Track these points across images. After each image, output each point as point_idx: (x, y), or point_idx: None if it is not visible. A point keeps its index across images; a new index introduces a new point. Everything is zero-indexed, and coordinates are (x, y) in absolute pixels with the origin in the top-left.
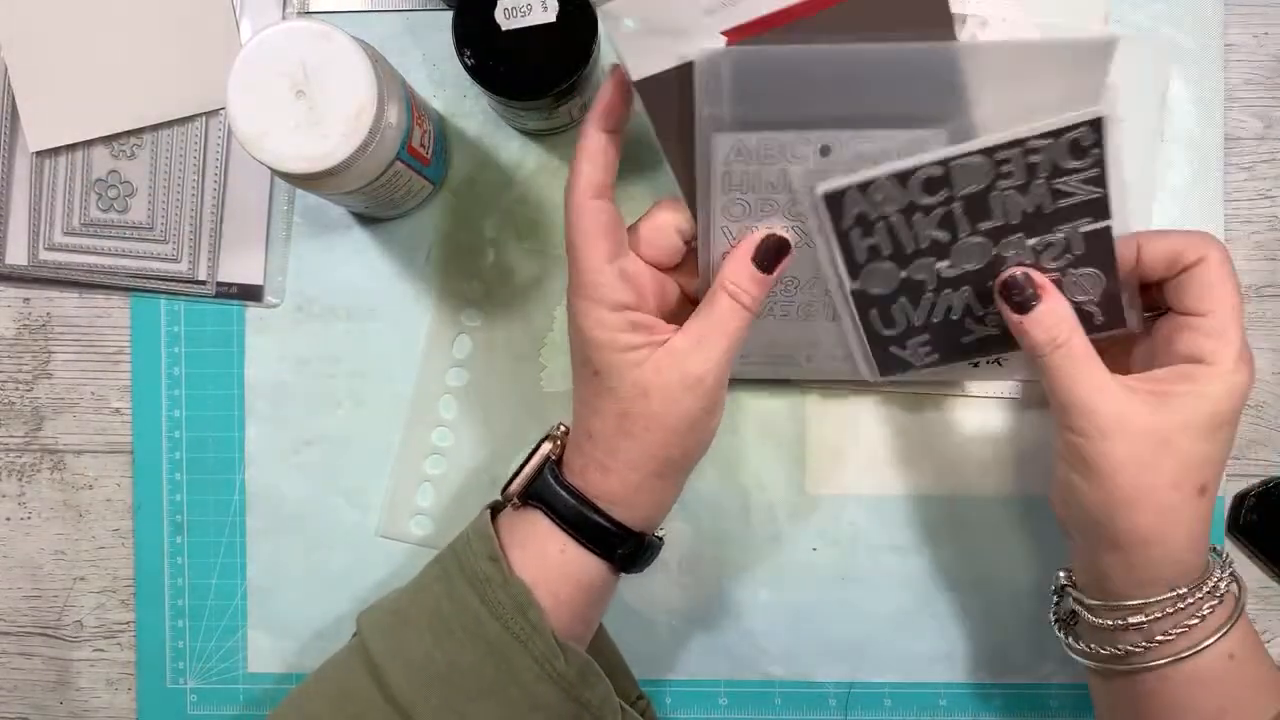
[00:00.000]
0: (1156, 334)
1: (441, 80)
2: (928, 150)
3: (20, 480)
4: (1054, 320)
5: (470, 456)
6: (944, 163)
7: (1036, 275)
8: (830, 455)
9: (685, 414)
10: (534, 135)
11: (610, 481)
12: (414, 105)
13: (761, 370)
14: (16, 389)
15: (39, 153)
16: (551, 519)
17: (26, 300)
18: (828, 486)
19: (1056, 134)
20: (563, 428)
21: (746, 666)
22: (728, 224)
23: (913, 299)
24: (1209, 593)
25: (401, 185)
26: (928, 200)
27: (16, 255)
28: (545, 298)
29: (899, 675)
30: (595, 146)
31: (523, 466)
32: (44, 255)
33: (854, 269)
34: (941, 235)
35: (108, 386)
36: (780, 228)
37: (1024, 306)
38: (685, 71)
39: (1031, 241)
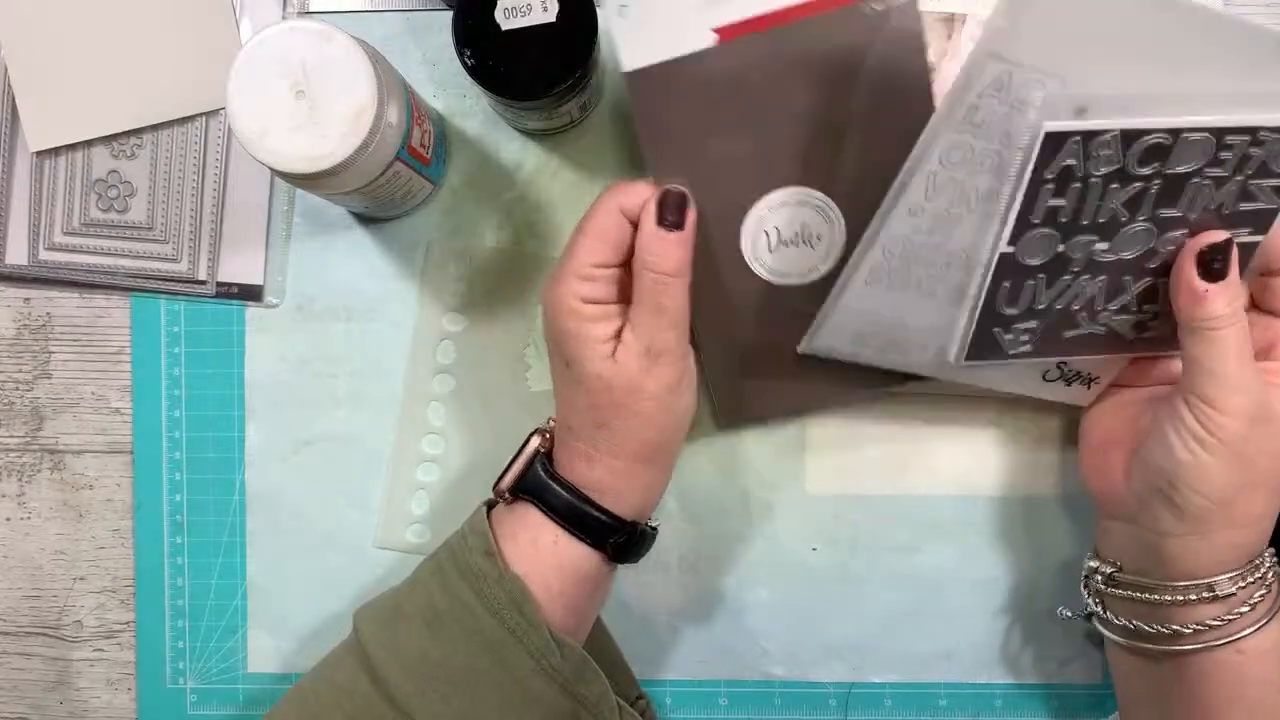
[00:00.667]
0: (1257, 333)
1: (441, 80)
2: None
3: (20, 480)
4: (1237, 293)
5: (462, 461)
6: (1174, 132)
7: (1234, 247)
8: (830, 455)
9: (649, 396)
10: (534, 135)
11: (596, 471)
12: (414, 105)
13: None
14: (16, 389)
15: (39, 153)
16: (543, 511)
17: (26, 300)
18: (828, 486)
19: None
20: (551, 421)
21: (746, 666)
22: (938, 169)
23: (1050, 279)
24: (1275, 561)
25: (401, 185)
26: (1137, 170)
27: (16, 255)
28: (526, 297)
29: (899, 675)
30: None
31: (513, 461)
32: (44, 255)
33: (1020, 229)
34: (1122, 213)
35: (108, 386)
36: (678, 186)
37: (1219, 274)
38: (673, 68)
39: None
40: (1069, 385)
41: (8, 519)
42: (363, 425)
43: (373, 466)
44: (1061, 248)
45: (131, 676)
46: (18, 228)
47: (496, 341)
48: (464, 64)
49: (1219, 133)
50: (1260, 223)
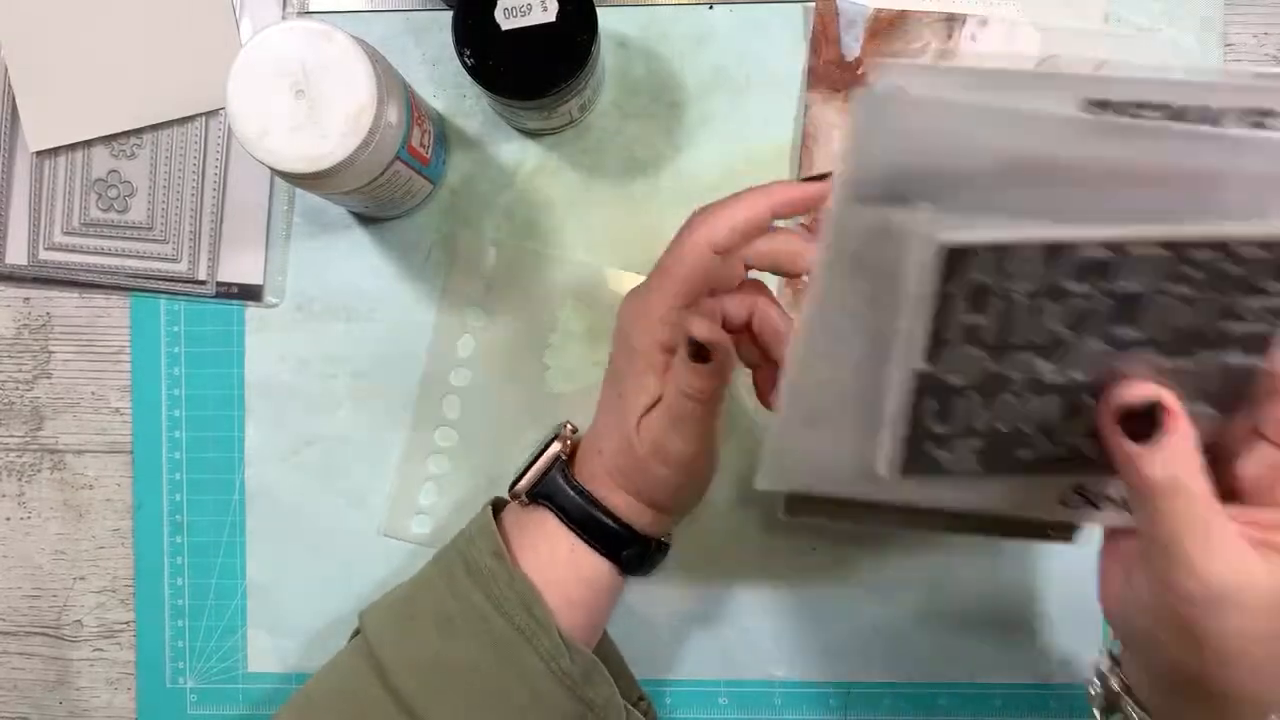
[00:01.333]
0: (1248, 466)
1: (441, 80)
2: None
3: (20, 480)
4: (1181, 459)
5: (473, 456)
6: (1116, 246)
7: (1168, 397)
8: None
9: (660, 477)
10: (534, 135)
11: (615, 497)
12: (414, 105)
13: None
14: (16, 389)
15: (39, 153)
16: (560, 518)
17: (26, 300)
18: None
19: (1275, 246)
20: (569, 426)
21: (746, 666)
22: (837, 317)
23: (988, 399)
24: None
25: (401, 185)
26: (1071, 286)
27: (16, 255)
28: (549, 299)
29: (899, 675)
30: (759, 211)
31: (531, 464)
32: (44, 255)
33: (935, 347)
34: (1065, 334)
35: (108, 386)
36: (706, 327)
37: (1147, 434)
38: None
39: (1163, 362)
40: (1099, 509)
41: (8, 519)
42: (363, 425)
43: (373, 466)
44: (995, 368)
45: (131, 676)
46: (18, 228)
47: (518, 340)
48: (464, 64)
49: (1178, 246)
50: (1254, 345)
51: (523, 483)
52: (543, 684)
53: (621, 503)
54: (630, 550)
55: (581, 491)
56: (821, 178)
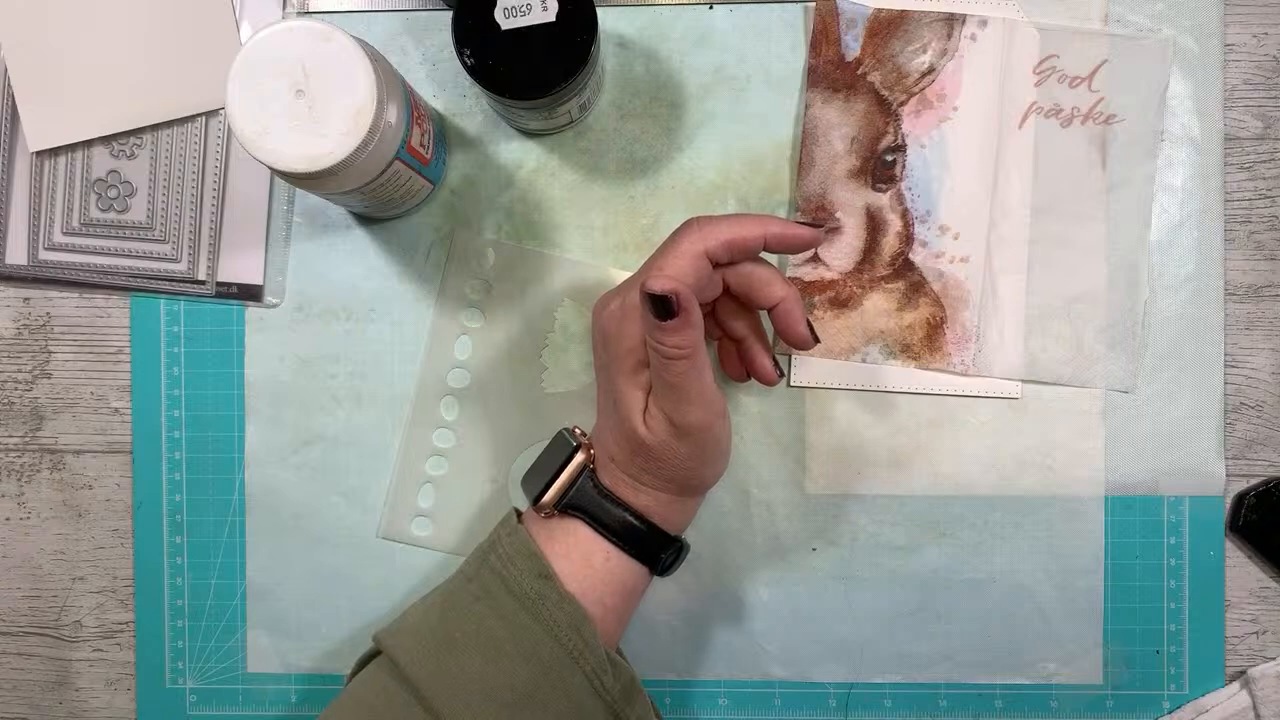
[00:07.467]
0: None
1: (441, 80)
2: None
3: (20, 480)
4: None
5: (471, 458)
6: None
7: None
8: (830, 455)
9: (681, 457)
10: (534, 135)
11: (642, 498)
12: (414, 105)
13: None
14: (16, 389)
15: (39, 153)
16: (594, 528)
17: (26, 300)
18: (828, 486)
19: None
20: (579, 431)
21: (746, 666)
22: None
23: None
24: None
25: (401, 185)
26: None
27: (16, 255)
28: (546, 299)
29: (899, 675)
30: (755, 233)
31: (556, 475)
32: (44, 255)
33: None
34: None
35: (108, 386)
36: (659, 281)
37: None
38: None
39: None
40: None
41: (7, 519)
42: (363, 425)
43: (372, 466)
44: None
45: (131, 676)
46: (18, 228)
47: (514, 341)
48: (464, 64)
49: None
50: None
51: (550, 495)
52: (587, 701)
53: (651, 502)
54: (667, 554)
55: (616, 500)
56: (816, 224)
